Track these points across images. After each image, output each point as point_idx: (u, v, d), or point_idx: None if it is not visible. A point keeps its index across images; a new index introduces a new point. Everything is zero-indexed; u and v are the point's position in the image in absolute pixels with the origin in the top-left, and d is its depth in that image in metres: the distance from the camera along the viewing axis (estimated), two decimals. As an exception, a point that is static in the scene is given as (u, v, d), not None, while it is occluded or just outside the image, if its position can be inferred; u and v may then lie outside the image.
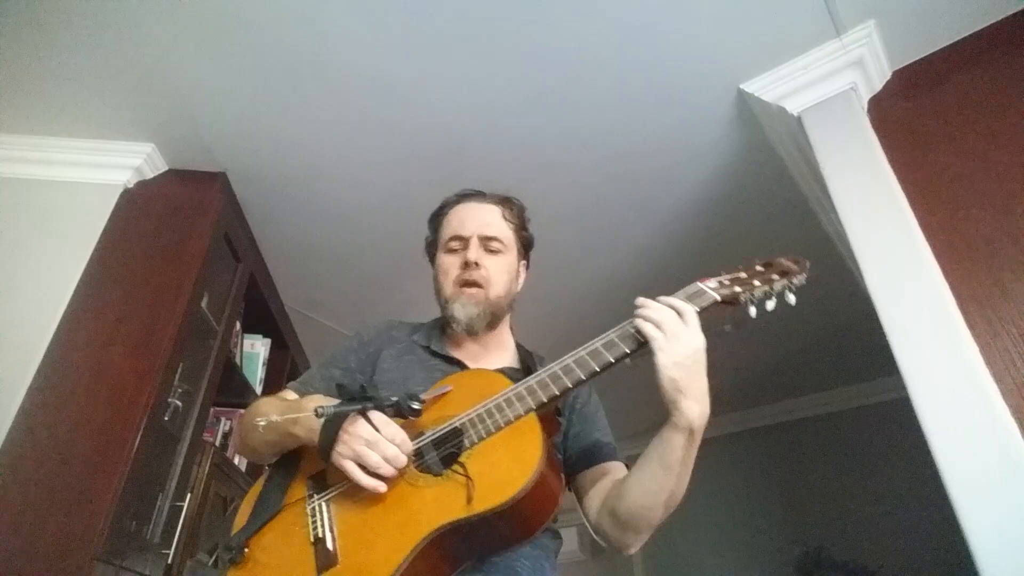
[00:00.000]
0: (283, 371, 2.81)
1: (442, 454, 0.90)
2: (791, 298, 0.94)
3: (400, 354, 1.13)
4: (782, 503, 3.68)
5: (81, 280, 1.88)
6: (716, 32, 1.77)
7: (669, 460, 0.89)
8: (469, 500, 0.82)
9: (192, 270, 1.95)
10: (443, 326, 1.18)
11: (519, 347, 1.19)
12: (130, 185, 2.10)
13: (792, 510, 3.62)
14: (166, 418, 1.78)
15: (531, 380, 0.92)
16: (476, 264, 1.11)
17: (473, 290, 1.11)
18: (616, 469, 1.04)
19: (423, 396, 0.94)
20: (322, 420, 0.87)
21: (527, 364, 1.13)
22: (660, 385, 0.86)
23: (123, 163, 2.09)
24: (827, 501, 3.51)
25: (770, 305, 0.94)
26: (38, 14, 1.68)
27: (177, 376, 1.84)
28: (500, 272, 1.14)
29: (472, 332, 1.11)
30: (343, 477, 0.89)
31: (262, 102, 1.95)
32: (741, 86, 1.92)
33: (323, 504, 0.92)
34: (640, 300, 0.92)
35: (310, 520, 0.90)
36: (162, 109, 1.98)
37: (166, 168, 2.18)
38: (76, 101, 1.94)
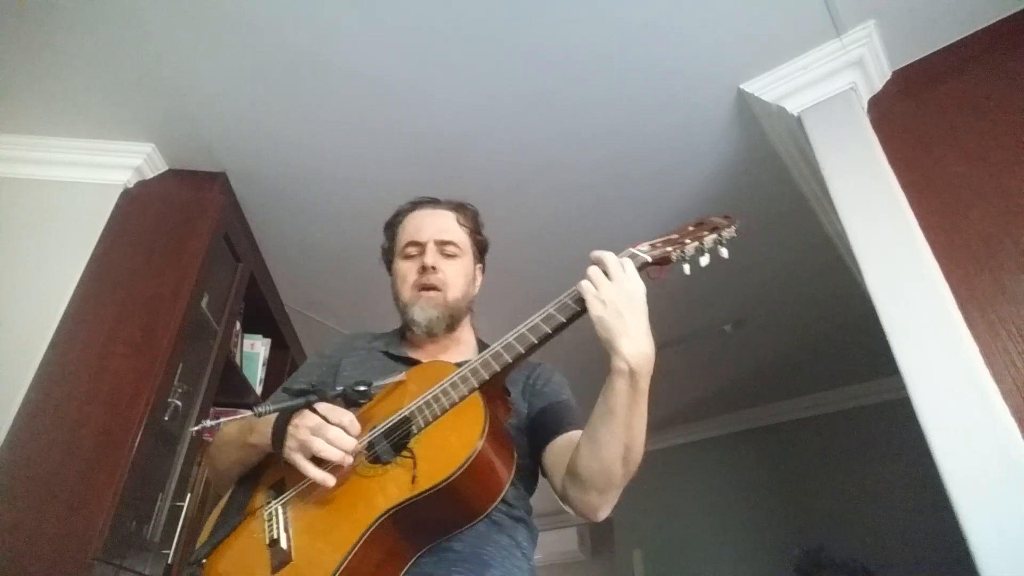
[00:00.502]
0: (283, 371, 2.80)
1: (392, 443, 0.91)
2: (723, 252, 0.98)
3: (360, 361, 1.16)
4: (782, 503, 3.68)
5: (81, 280, 1.88)
6: (716, 32, 1.77)
7: (613, 405, 0.87)
8: (413, 480, 0.83)
9: (192, 270, 1.94)
10: (403, 332, 1.22)
11: (480, 343, 1.21)
12: (130, 185, 2.10)
13: (792, 510, 3.62)
14: (166, 418, 1.77)
15: (474, 362, 0.93)
16: (433, 268, 1.14)
17: (431, 293, 1.14)
18: (576, 436, 1.04)
19: (377, 384, 0.96)
20: (273, 423, 0.90)
21: None
22: (596, 331, 0.87)
23: (123, 163, 2.09)
24: (827, 501, 3.51)
25: (704, 261, 0.96)
26: (38, 14, 1.67)
27: (177, 376, 1.84)
28: (457, 276, 1.17)
29: (432, 334, 1.13)
30: (299, 480, 0.92)
31: (262, 102, 1.95)
32: (741, 86, 1.92)
33: (279, 508, 0.94)
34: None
35: (266, 524, 0.92)
36: (162, 109, 1.98)
37: (166, 168, 2.18)
38: (76, 101, 1.94)
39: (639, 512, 4.06)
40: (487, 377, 0.91)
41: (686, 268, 0.95)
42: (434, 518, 0.85)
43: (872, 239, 1.57)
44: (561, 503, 1.02)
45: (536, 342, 0.91)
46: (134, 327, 1.82)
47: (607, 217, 2.37)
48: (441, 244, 1.18)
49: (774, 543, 3.53)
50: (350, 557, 0.81)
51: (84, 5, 1.66)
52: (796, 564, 3.27)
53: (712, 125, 2.05)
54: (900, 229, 1.55)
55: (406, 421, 0.93)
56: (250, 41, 1.76)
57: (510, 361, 0.92)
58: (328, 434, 0.87)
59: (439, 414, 0.91)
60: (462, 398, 0.91)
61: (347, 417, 0.90)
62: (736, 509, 3.79)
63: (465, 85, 1.91)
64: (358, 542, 0.82)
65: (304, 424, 0.89)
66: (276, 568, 0.86)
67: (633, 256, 0.94)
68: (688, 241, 0.96)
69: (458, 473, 0.82)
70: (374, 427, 0.94)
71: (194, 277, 1.93)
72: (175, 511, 1.78)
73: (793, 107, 1.85)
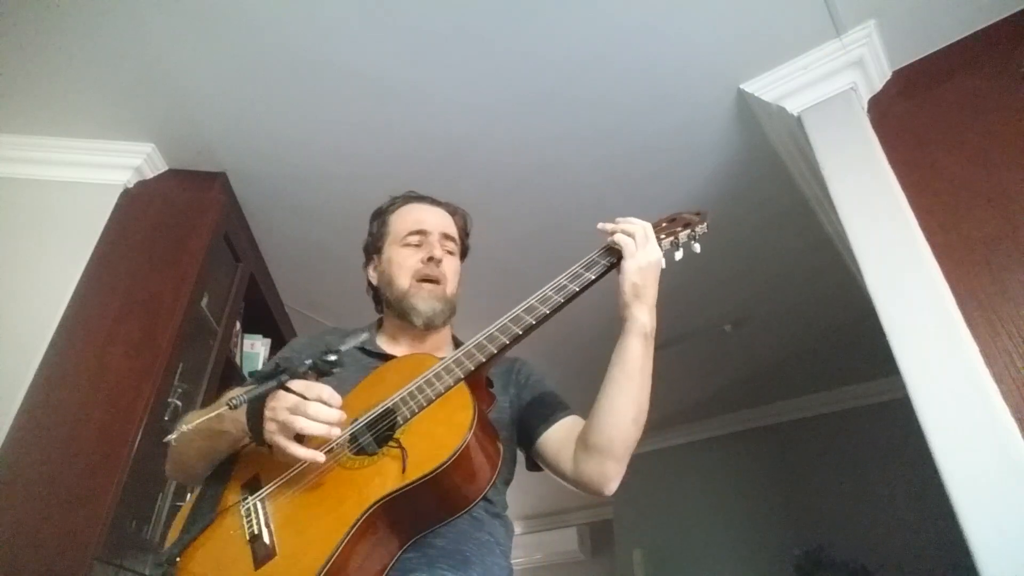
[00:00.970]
0: (283, 371, 2.80)
1: (376, 435, 0.90)
2: (696, 247, 1.05)
3: None
4: (782, 503, 3.68)
5: (81, 280, 1.88)
6: (716, 32, 1.77)
7: (630, 368, 0.95)
8: (404, 470, 0.82)
9: (192, 270, 1.94)
10: (379, 325, 1.20)
11: (455, 339, 1.22)
12: (130, 185, 2.10)
13: (792, 510, 3.62)
14: (166, 418, 1.77)
15: (458, 352, 0.94)
16: (439, 261, 1.15)
17: (431, 285, 1.13)
18: (575, 420, 1.07)
19: (346, 348, 0.92)
20: (245, 409, 0.85)
21: None
22: (622, 291, 0.97)
23: (123, 163, 2.09)
24: (827, 501, 3.51)
25: (678, 255, 1.05)
26: (38, 14, 1.67)
27: (177, 376, 1.84)
28: (454, 272, 1.19)
29: (432, 326, 1.13)
30: (278, 474, 0.89)
31: (262, 102, 1.95)
32: (741, 86, 1.92)
33: (257, 503, 0.90)
34: (602, 225, 1.04)
35: (244, 521, 0.88)
36: (162, 109, 1.98)
37: (166, 168, 2.18)
38: (76, 101, 1.94)
39: (639, 512, 4.07)
40: (472, 368, 0.91)
41: (661, 263, 1.01)
42: (423, 509, 0.85)
43: (872, 239, 1.57)
44: (570, 482, 1.03)
45: (520, 333, 0.93)
46: (134, 327, 1.82)
47: (607, 217, 2.36)
48: (444, 239, 1.19)
49: (774, 543, 3.53)
50: (340, 548, 0.79)
51: (84, 5, 1.66)
52: (796, 564, 3.27)
53: (712, 125, 2.05)
54: (900, 229, 1.55)
55: (389, 413, 0.91)
56: (250, 41, 1.76)
57: (495, 352, 0.92)
58: (309, 410, 0.83)
59: (424, 405, 0.89)
60: (448, 388, 0.90)
61: (326, 391, 0.85)
62: (736, 509, 3.79)
63: (465, 85, 1.91)
64: (349, 533, 0.80)
65: (281, 405, 0.84)
66: (259, 563, 0.82)
67: (610, 251, 1.01)
68: (663, 237, 1.03)
69: (449, 462, 0.81)
70: (355, 420, 0.92)
71: (194, 277, 1.93)
72: (175, 511, 1.77)
73: (793, 107, 1.85)
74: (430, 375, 0.92)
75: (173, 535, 0.92)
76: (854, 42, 1.76)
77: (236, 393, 0.84)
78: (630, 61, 1.84)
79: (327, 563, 0.78)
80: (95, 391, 1.70)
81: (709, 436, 4.13)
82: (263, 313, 2.66)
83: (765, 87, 1.89)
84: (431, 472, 0.81)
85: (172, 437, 0.90)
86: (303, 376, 0.86)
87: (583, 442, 0.99)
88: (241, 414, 0.86)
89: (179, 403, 1.84)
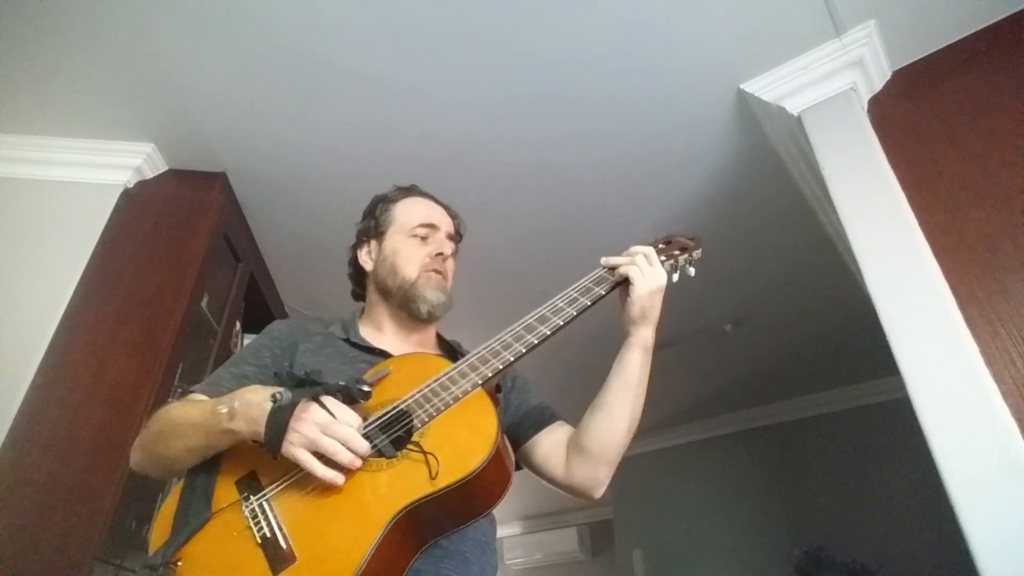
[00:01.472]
0: (283, 371, 2.80)
1: (391, 437, 0.88)
2: (691, 271, 1.11)
3: (319, 347, 1.10)
4: (782, 503, 3.68)
5: (81, 280, 1.88)
6: (716, 32, 1.77)
7: (630, 380, 1.00)
8: (433, 475, 0.81)
9: (192, 270, 1.95)
10: (362, 316, 1.20)
11: (439, 336, 1.22)
12: (130, 185, 2.10)
13: (792, 510, 3.62)
14: (166, 418, 1.77)
15: (471, 357, 0.95)
16: (447, 258, 1.18)
17: (439, 276, 1.16)
18: (565, 426, 1.10)
19: (367, 379, 0.92)
20: (268, 410, 0.81)
21: (453, 350, 1.17)
22: (629, 313, 1.01)
23: (123, 163, 2.09)
24: (827, 501, 3.51)
25: (674, 278, 1.09)
26: (38, 14, 1.67)
27: (177, 376, 1.84)
28: (453, 273, 1.21)
29: (433, 317, 1.14)
30: (280, 474, 0.86)
31: (262, 102, 1.95)
32: (741, 86, 1.92)
33: (263, 504, 0.85)
34: (604, 260, 1.06)
35: (251, 522, 0.83)
36: (162, 109, 1.98)
37: (166, 168, 2.18)
38: (76, 101, 1.94)
39: (639, 512, 4.06)
40: (490, 375, 0.91)
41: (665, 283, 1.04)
42: (446, 514, 0.84)
43: (872, 239, 1.57)
44: (560, 486, 1.05)
45: (536, 342, 0.95)
46: (134, 327, 1.82)
47: (607, 217, 2.37)
48: (450, 237, 1.21)
49: (774, 543, 3.52)
50: (373, 552, 0.76)
51: (84, 5, 1.66)
52: (796, 564, 3.27)
53: (712, 125, 2.05)
54: (900, 229, 1.55)
55: (404, 415, 0.89)
56: (250, 41, 1.76)
57: (512, 359, 0.93)
58: (340, 432, 0.81)
59: (442, 408, 0.88)
60: (465, 393, 0.89)
61: (357, 420, 0.84)
62: (736, 509, 3.79)
63: (465, 85, 1.91)
64: (377, 539, 0.77)
65: (311, 419, 0.81)
66: (277, 568, 0.78)
67: (606, 277, 1.04)
68: (663, 259, 1.07)
69: (479, 469, 0.81)
70: (365, 419, 0.89)
71: (194, 277, 1.93)
72: (175, 511, 1.77)
73: (793, 107, 1.85)
74: (444, 378, 0.92)
75: (159, 533, 0.86)
76: (854, 42, 1.76)
77: (268, 392, 0.82)
78: (630, 61, 1.84)
79: (360, 568, 0.76)
80: (95, 391, 1.71)
81: (709, 436, 4.12)
82: (263, 313, 2.65)
83: (765, 87, 1.89)
84: (463, 478, 0.81)
85: (198, 387, 0.98)
86: (332, 394, 0.85)
87: (577, 447, 1.02)
88: (259, 413, 0.83)
89: (179, 403, 1.84)
